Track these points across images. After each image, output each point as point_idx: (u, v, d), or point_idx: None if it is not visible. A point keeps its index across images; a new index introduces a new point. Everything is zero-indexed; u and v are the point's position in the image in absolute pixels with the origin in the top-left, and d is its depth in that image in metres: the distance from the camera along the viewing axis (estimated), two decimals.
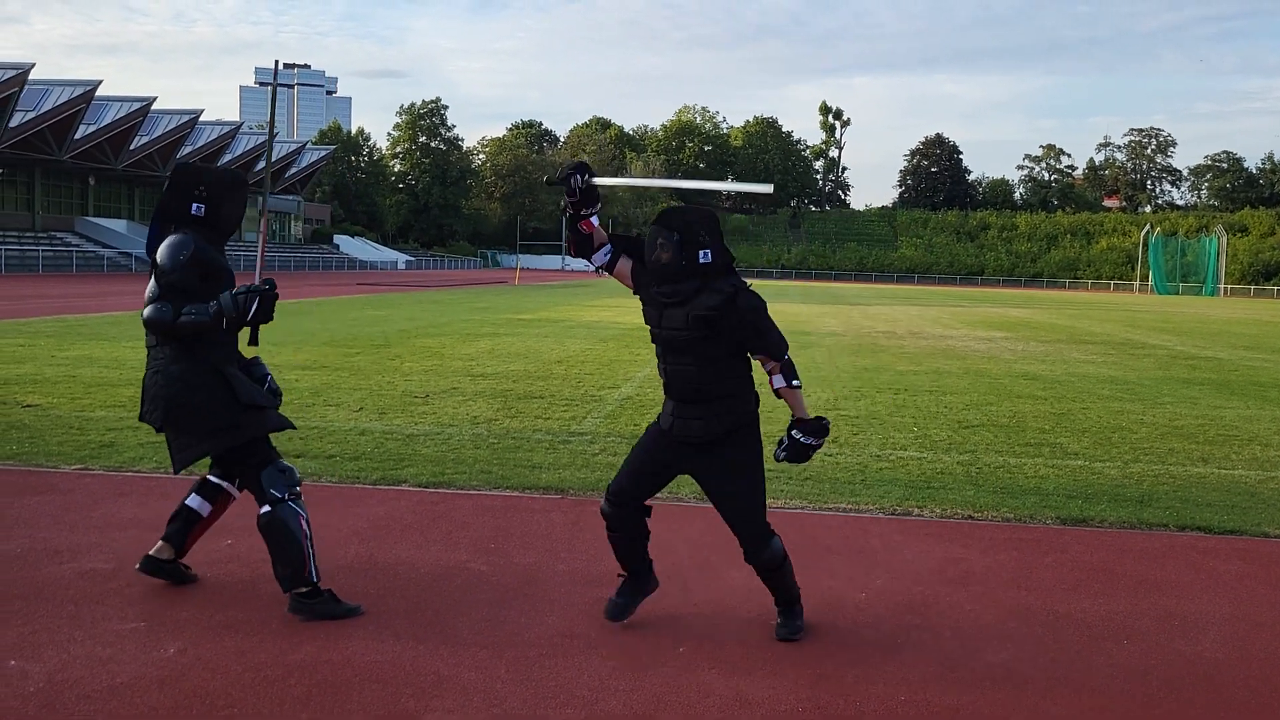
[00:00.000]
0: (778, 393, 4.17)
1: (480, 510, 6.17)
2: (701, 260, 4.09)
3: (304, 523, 4.35)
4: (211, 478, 4.68)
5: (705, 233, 4.12)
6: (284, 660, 3.88)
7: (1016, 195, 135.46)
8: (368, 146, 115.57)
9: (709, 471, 4.21)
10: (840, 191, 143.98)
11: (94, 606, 4.37)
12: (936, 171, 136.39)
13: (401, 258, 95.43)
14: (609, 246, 4.41)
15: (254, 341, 4.56)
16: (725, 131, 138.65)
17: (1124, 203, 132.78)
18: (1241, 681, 3.96)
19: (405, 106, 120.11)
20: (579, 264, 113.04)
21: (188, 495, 4.70)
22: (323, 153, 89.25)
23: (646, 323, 4.33)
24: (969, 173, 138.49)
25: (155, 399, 4.39)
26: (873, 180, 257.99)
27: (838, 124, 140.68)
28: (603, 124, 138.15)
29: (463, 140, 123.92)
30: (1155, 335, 25.43)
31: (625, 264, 4.39)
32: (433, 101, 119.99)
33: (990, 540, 5.83)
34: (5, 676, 3.65)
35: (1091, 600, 4.84)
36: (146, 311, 4.24)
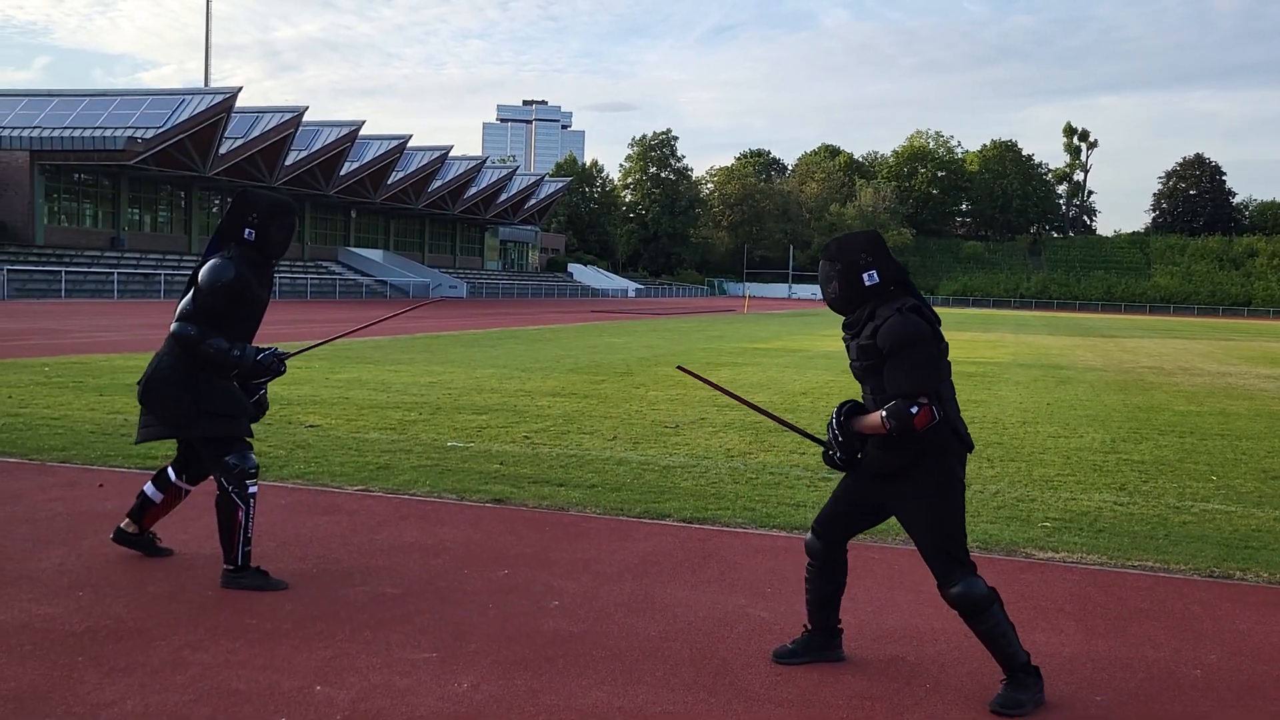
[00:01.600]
0: (882, 413, 3.82)
1: (750, 551, 5.94)
2: (867, 283, 3.91)
3: (241, 514, 4.87)
4: (168, 469, 5.26)
5: (865, 254, 3.93)
6: (575, 704, 3.77)
7: None
8: (600, 178, 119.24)
9: (898, 503, 3.99)
10: (1086, 217, 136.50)
11: (387, 632, 4.42)
12: (1195, 194, 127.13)
13: (632, 286, 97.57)
14: None
15: (240, 383, 5.09)
16: (960, 156, 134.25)
17: None
18: None
19: (636, 138, 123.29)
20: (805, 292, 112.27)
21: (147, 482, 5.33)
22: (559, 184, 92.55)
23: None
24: (1233, 195, 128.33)
25: (145, 378, 5.00)
26: (1121, 205, 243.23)
27: (1083, 146, 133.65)
28: (832, 151, 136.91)
29: (691, 170, 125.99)
30: None
31: None
32: (663, 133, 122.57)
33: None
34: (313, 703, 3.70)
35: None
36: (175, 326, 4.86)
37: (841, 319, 4.16)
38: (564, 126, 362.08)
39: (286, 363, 5.12)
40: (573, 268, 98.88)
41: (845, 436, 3.99)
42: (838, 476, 8.05)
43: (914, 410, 3.78)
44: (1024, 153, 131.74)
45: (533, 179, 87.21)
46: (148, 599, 4.75)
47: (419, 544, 5.84)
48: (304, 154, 56.88)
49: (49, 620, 4.43)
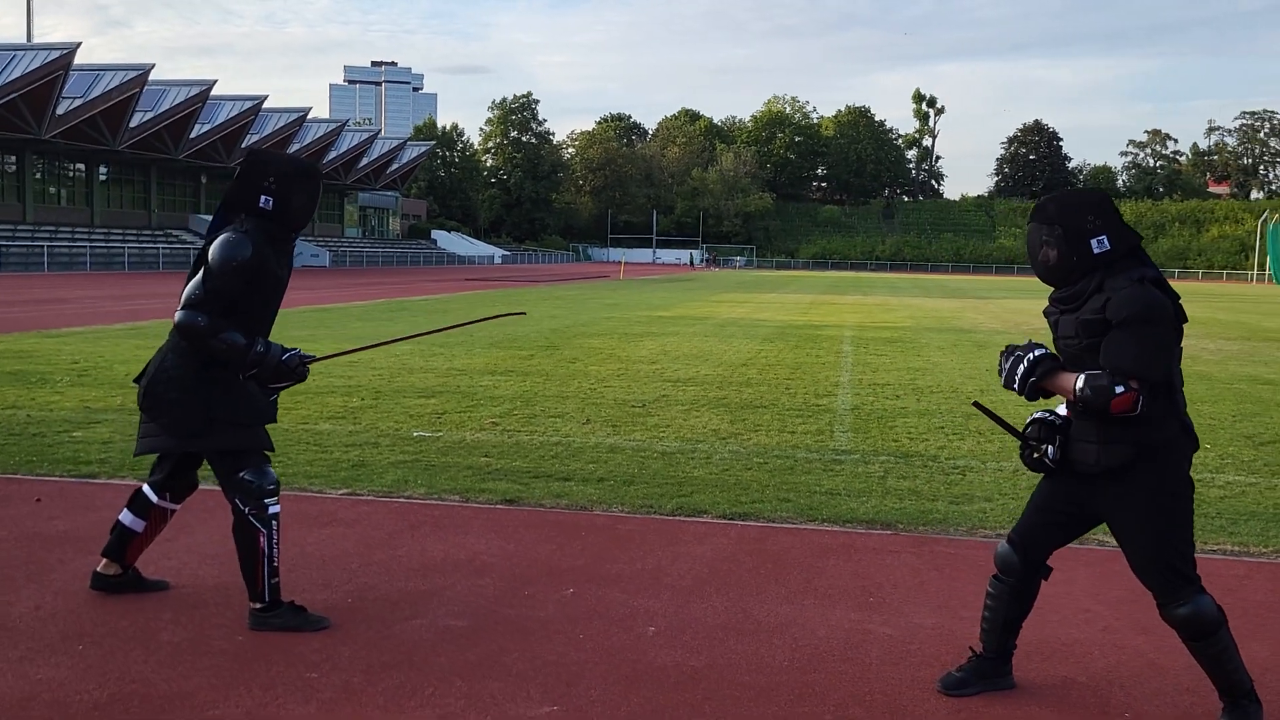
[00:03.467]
0: (1079, 381, 3.30)
1: (817, 551, 5.41)
2: (1097, 250, 3.35)
3: (263, 540, 4.09)
4: (146, 489, 4.40)
5: (1094, 217, 3.37)
6: None
7: (1120, 182, 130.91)
8: (461, 142, 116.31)
9: (1112, 508, 3.44)
10: (934, 181, 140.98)
11: (483, 680, 3.69)
12: (1035, 159, 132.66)
13: (498, 252, 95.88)
14: None
15: (244, 376, 4.20)
16: (816, 121, 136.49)
17: (1235, 189, 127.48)
18: None
19: (497, 102, 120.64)
20: (669, 256, 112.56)
21: (122, 510, 4.44)
22: (422, 149, 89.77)
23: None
24: (1069, 160, 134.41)
25: (146, 376, 4.20)
26: (968, 169, 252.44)
27: (931, 112, 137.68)
28: (692, 116, 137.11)
29: (553, 134, 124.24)
30: None
31: None
32: (524, 96, 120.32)
33: None
34: None
35: None
36: (180, 315, 4.01)
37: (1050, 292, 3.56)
38: (415, 89, 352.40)
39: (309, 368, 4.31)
40: (436, 234, 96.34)
41: (1028, 375, 3.41)
42: (847, 459, 7.63)
43: (1119, 390, 3.25)
44: (876, 118, 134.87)
45: (395, 143, 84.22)
46: (168, 651, 3.89)
47: (452, 559, 5.10)
48: (150, 115, 53.26)
49: (59, 688, 3.54)
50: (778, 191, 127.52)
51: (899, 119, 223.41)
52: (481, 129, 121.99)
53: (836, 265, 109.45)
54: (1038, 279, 3.59)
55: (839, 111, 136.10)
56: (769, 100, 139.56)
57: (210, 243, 4.09)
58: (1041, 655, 4.05)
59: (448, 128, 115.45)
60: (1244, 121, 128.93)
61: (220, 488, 4.22)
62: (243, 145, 61.99)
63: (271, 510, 4.14)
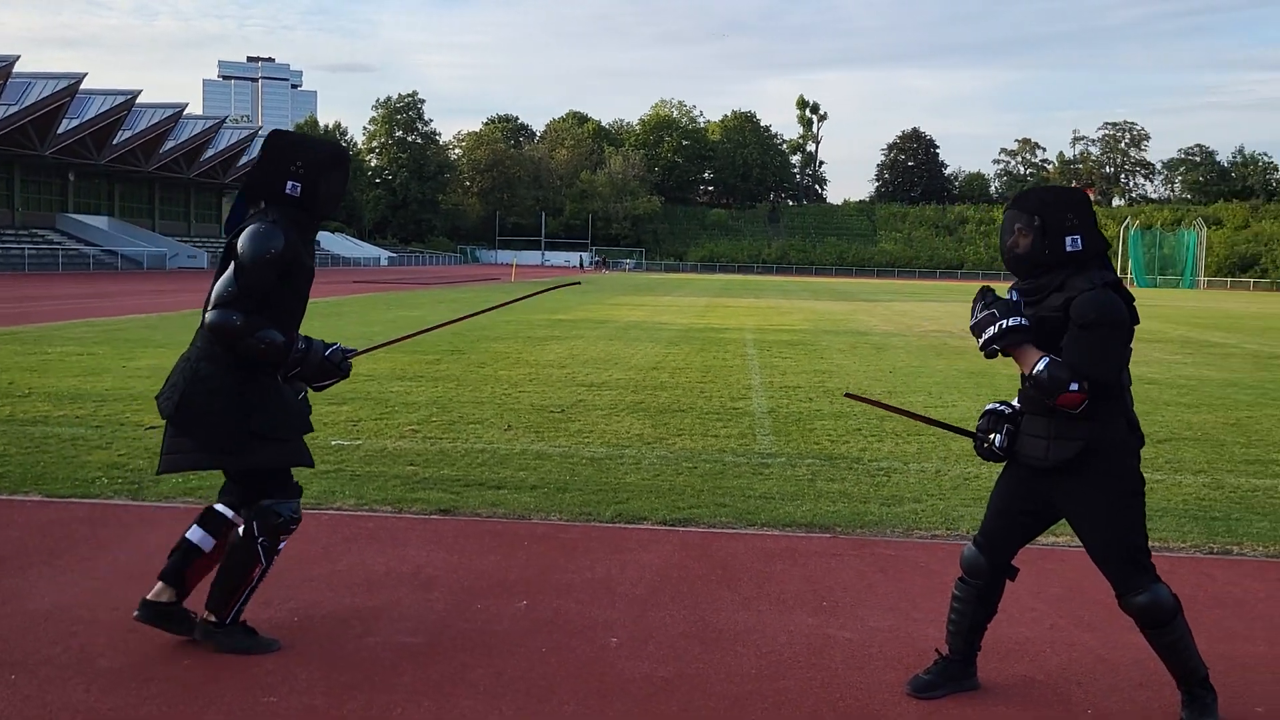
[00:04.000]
0: (1041, 363, 3.36)
1: (763, 555, 5.43)
2: (1069, 248, 3.43)
3: (258, 571, 3.90)
4: (219, 506, 4.06)
5: (1073, 215, 3.46)
6: None
7: (993, 189, 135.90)
8: (344, 141, 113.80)
9: (1069, 503, 3.52)
10: (818, 186, 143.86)
11: (452, 700, 3.58)
12: (913, 165, 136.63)
13: (383, 254, 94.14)
14: None
15: (283, 378, 3.96)
16: (703, 125, 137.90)
17: (1098, 196, 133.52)
18: None
19: (381, 101, 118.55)
20: (559, 259, 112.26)
21: (189, 527, 4.06)
22: None
23: None
24: (945, 166, 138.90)
25: (174, 387, 3.84)
26: (850, 175, 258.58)
27: (814, 118, 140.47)
28: (580, 118, 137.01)
29: (439, 134, 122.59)
30: (1208, 333, 25.05)
31: None
32: (409, 95, 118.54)
33: None
34: None
35: None
36: (212, 315, 3.70)
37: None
38: (294, 86, 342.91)
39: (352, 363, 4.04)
40: (319, 235, 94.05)
41: (992, 340, 3.43)
42: (774, 461, 7.70)
43: (1072, 387, 3.34)
44: (762, 123, 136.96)
45: None
46: (108, 678, 3.67)
47: (395, 572, 4.96)
48: (14, 109, 50.52)
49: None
50: (666, 194, 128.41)
51: (784, 124, 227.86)
52: (365, 128, 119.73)
53: (725, 268, 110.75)
54: (1004, 265, 3.63)
55: (725, 116, 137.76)
56: (656, 104, 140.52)
57: (237, 235, 3.81)
58: (998, 655, 4.13)
59: (330, 126, 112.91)
60: (1106, 132, 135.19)
61: (241, 508, 3.97)
62: (114, 142, 59.51)
63: (280, 546, 3.96)
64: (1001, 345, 3.45)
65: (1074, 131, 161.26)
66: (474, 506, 6.21)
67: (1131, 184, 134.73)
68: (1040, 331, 3.45)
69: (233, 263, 3.75)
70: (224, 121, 74.96)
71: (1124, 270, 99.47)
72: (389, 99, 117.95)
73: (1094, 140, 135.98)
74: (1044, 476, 3.56)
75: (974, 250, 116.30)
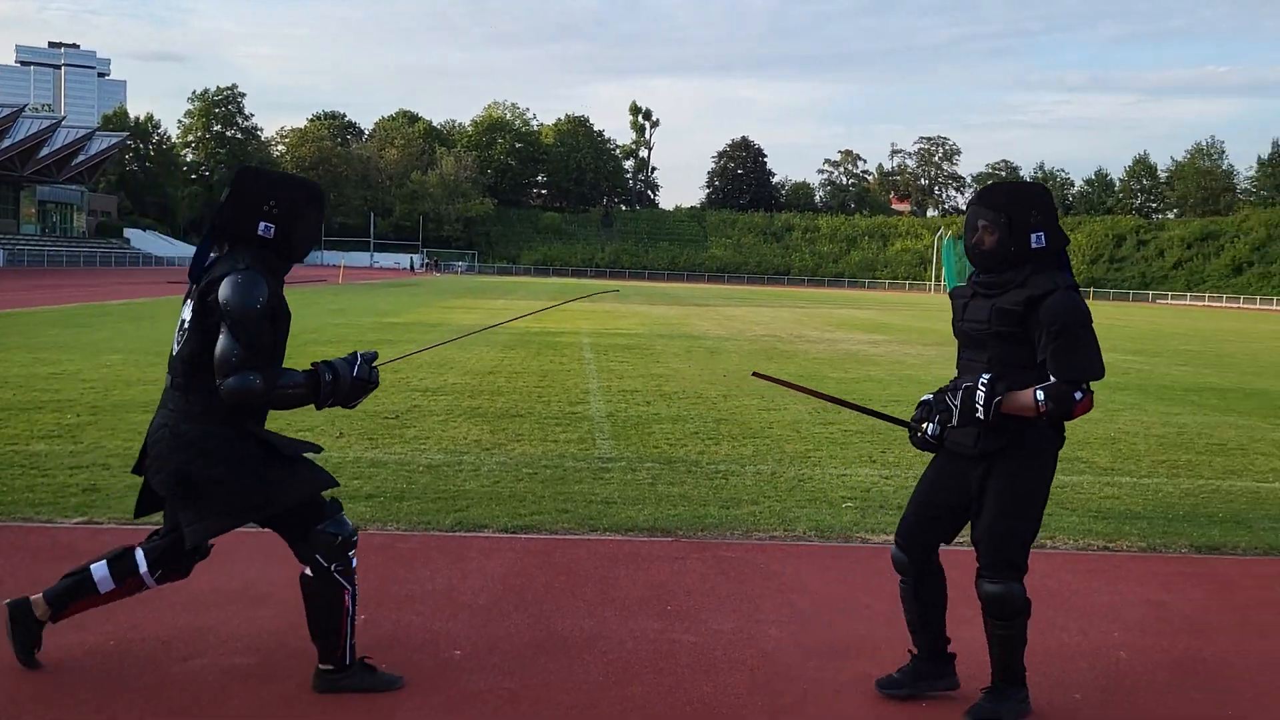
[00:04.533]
0: (1038, 394, 3.43)
1: (605, 561, 5.41)
2: (1034, 245, 3.54)
3: (348, 598, 3.66)
4: (138, 553, 3.77)
5: (1038, 212, 3.57)
6: None
7: (817, 198, 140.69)
8: (157, 134, 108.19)
9: (982, 487, 3.60)
10: (650, 191, 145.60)
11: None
12: (742, 173, 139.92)
13: None
14: None
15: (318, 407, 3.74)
16: (536, 129, 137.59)
17: (914, 207, 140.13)
18: None
19: (198, 93, 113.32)
20: (388, 260, 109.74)
21: (97, 559, 3.80)
22: (112, 140, 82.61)
23: (954, 319, 3.80)
24: (773, 175, 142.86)
25: (158, 460, 3.56)
26: (682, 181, 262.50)
27: (647, 124, 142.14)
28: (410, 118, 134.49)
29: (261, 130, 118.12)
30: None
31: None
32: (229, 88, 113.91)
33: (1158, 575, 5.56)
34: None
35: None
36: (231, 381, 3.38)
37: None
38: (101, 75, 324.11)
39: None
40: (130, 233, 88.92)
41: (990, 399, 3.45)
42: (614, 466, 7.71)
43: (1078, 396, 3.43)
44: (595, 128, 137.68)
45: (81, 133, 77.05)
46: None
47: (223, 590, 4.70)
48: None
49: None
50: (499, 197, 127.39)
51: (617, 129, 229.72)
52: (181, 121, 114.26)
53: (558, 271, 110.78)
54: (973, 261, 3.67)
55: (559, 120, 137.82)
56: (489, 105, 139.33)
57: (212, 286, 3.49)
58: (838, 652, 4.23)
59: (142, 118, 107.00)
60: (921, 146, 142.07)
61: (291, 546, 3.70)
62: None
63: (354, 564, 3.69)
64: (1000, 398, 3.46)
65: (892, 144, 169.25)
66: None
67: (944, 195, 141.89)
68: (1001, 322, 3.52)
69: (225, 324, 3.43)
70: (23, 110, 70.00)
71: (938, 277, 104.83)
72: (206, 91, 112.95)
73: (910, 153, 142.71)
74: (971, 465, 3.62)
75: (799, 257, 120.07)
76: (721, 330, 24.65)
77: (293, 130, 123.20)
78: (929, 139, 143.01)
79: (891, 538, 5.87)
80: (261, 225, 3.56)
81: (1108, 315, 49.55)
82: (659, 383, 13.18)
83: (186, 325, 3.56)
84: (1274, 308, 79.51)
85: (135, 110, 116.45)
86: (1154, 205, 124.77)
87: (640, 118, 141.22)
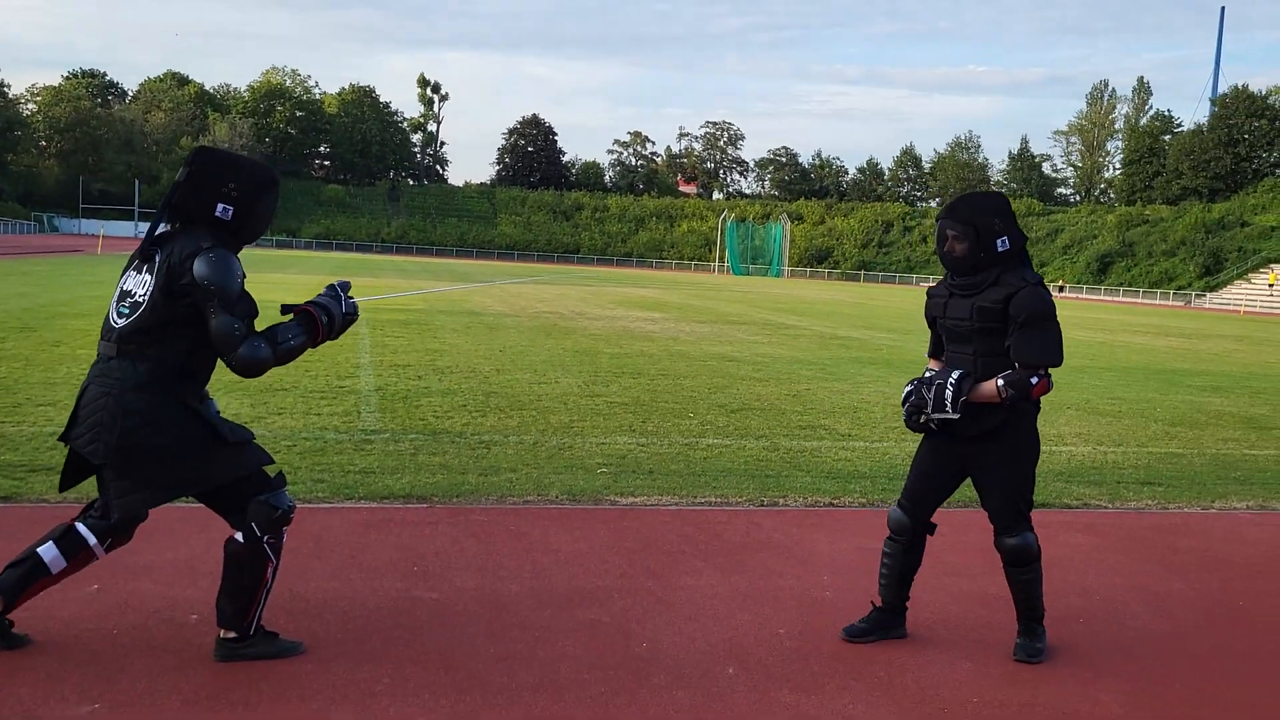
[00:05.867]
0: (999, 382, 3.93)
1: (356, 527, 5.51)
2: (1000, 249, 4.02)
3: (270, 571, 3.73)
4: (81, 527, 3.78)
5: (999, 219, 4.04)
6: None
7: (607, 178, 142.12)
8: None
9: (983, 460, 4.09)
10: (439, 166, 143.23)
11: (12, 687, 3.38)
12: (533, 151, 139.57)
13: None
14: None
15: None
16: (319, 97, 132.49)
17: (700, 189, 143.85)
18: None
19: None
20: (121, 229, 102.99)
21: (41, 541, 3.78)
22: None
23: (929, 314, 4.28)
24: (563, 154, 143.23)
25: (99, 428, 3.54)
26: (471, 157, 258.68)
27: (435, 97, 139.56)
28: (180, 80, 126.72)
29: (8, 86, 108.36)
30: (785, 316, 27.94)
31: (942, 342, 4.32)
32: None
33: (872, 526, 6.14)
34: None
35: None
36: (242, 352, 3.49)
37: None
38: None
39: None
40: None
41: (957, 396, 3.94)
42: (377, 438, 7.76)
43: (1034, 381, 3.92)
44: (381, 99, 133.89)
45: None
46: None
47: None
48: None
49: None
50: (278, 167, 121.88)
51: (404, 102, 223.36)
52: None
53: (342, 246, 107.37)
54: (943, 266, 4.11)
55: (343, 89, 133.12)
56: (268, 71, 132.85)
57: (180, 263, 3.48)
58: (572, 602, 4.51)
59: None
60: (708, 130, 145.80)
61: (226, 517, 3.70)
62: None
63: (283, 539, 3.68)
64: (965, 395, 3.94)
65: (680, 128, 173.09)
66: (40, 492, 5.77)
67: (729, 179, 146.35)
68: (982, 318, 3.97)
69: (215, 302, 3.47)
70: None
71: (722, 259, 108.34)
72: None
73: (697, 137, 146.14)
74: (966, 443, 4.06)
75: (589, 236, 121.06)
76: (503, 307, 24.75)
77: (46, 88, 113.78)
78: (715, 124, 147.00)
79: (641, 499, 6.29)
80: (220, 207, 3.61)
81: (871, 296, 52.70)
82: (433, 357, 13.20)
83: (140, 297, 3.54)
84: None
85: None
86: (918, 194, 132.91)
87: (429, 90, 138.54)
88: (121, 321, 3.58)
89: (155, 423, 3.52)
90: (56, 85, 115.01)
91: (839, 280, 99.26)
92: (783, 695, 3.74)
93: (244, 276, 3.60)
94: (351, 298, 3.87)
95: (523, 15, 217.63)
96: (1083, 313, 44.03)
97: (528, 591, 4.65)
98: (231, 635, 3.73)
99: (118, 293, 3.65)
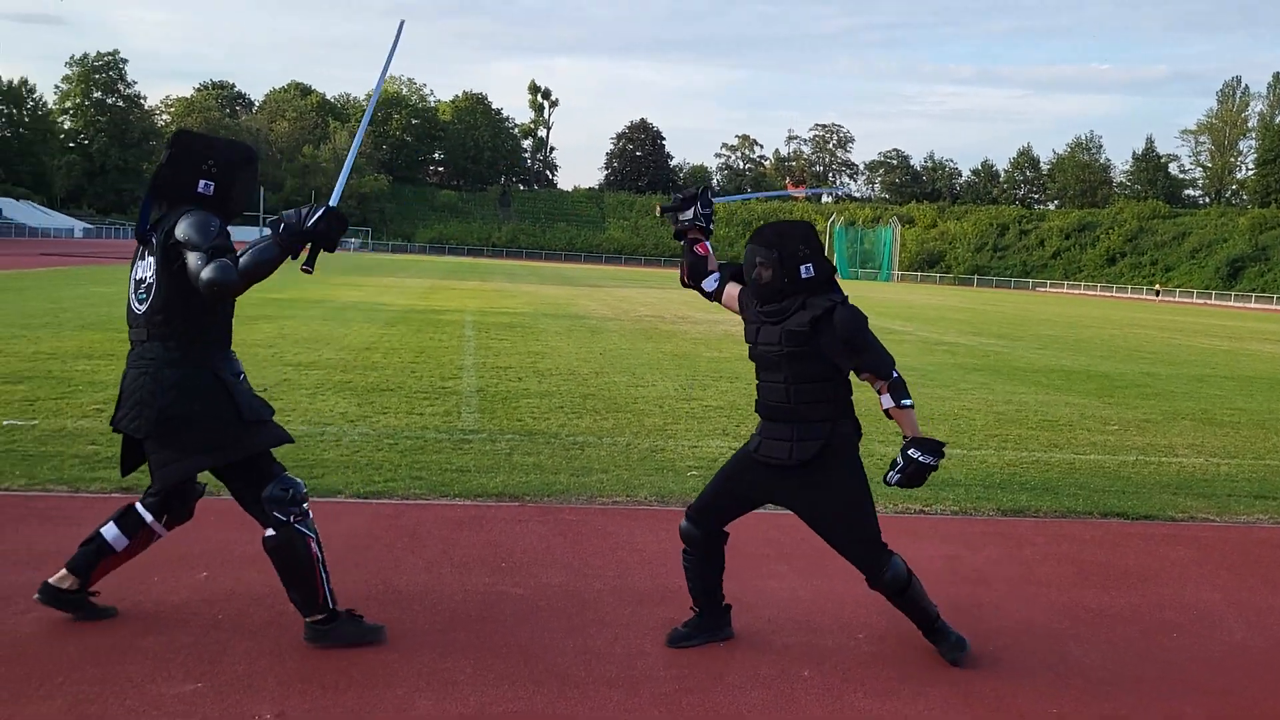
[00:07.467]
0: (887, 413, 3.98)
1: (449, 524, 5.70)
2: (804, 275, 3.96)
3: (314, 545, 3.90)
4: (139, 507, 4.07)
5: (804, 246, 3.99)
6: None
7: (715, 182, 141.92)
8: (31, 100, 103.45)
9: (801, 498, 4.02)
10: (549, 171, 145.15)
11: (123, 665, 3.63)
12: (641, 155, 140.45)
13: (78, 225, 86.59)
14: (717, 274, 4.40)
15: (309, 266, 3.83)
16: (434, 105, 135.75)
17: (810, 193, 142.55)
18: None
19: (76, 58, 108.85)
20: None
21: (105, 522, 4.07)
22: None
23: (746, 340, 4.22)
24: (671, 158, 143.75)
25: (141, 405, 3.79)
26: (580, 162, 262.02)
27: (546, 103, 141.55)
28: (303, 90, 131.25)
29: (144, 98, 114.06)
30: (891, 321, 27.56)
31: (733, 289, 4.34)
32: (110, 54, 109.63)
33: (962, 534, 6.08)
34: None
35: (1103, 593, 5.16)
36: (207, 274, 3.54)
37: (739, 314, 4.18)
38: None
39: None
40: (3, 202, 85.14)
41: (939, 450, 3.97)
42: (475, 438, 7.97)
43: (896, 376, 3.95)
44: (494, 106, 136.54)
45: None
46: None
47: (65, 551, 4.71)
48: None
49: None
50: (394, 174, 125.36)
51: (516, 108, 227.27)
52: (57, 87, 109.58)
53: (454, 250, 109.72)
54: (754, 293, 4.08)
55: (456, 97, 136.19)
56: (386, 80, 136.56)
57: (167, 236, 3.69)
58: (661, 603, 4.60)
59: (14, 83, 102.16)
60: (817, 133, 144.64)
61: (244, 504, 3.92)
62: None
63: (310, 516, 3.91)
64: (915, 445, 3.95)
65: (789, 131, 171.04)
66: None
67: (838, 182, 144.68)
68: (791, 343, 3.93)
69: (187, 246, 3.62)
70: None
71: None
72: (85, 56, 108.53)
73: (806, 140, 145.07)
74: (782, 474, 3.99)
75: None
76: (607, 311, 25.01)
77: (179, 99, 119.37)
78: (824, 126, 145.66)
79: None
80: (201, 183, 3.80)
81: (984, 301, 51.48)
82: (535, 360, 13.45)
83: (150, 281, 3.76)
84: (1143, 296, 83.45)
85: (7, 74, 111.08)
86: (1035, 196, 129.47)
87: (539, 97, 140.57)
88: (142, 307, 3.81)
89: (189, 391, 3.74)
90: (189, 97, 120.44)
91: (950, 285, 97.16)
92: (857, 700, 3.76)
93: (220, 232, 3.66)
94: (322, 208, 3.68)
95: (633, 19, 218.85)
96: (1206, 319, 42.27)
97: (610, 589, 4.76)
98: (317, 618, 3.92)
99: (132, 283, 3.88)
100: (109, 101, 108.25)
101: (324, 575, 3.91)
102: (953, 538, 5.95)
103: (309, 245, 3.67)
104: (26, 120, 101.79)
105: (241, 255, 3.60)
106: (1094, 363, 17.81)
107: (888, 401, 3.97)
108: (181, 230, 3.67)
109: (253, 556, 4.89)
